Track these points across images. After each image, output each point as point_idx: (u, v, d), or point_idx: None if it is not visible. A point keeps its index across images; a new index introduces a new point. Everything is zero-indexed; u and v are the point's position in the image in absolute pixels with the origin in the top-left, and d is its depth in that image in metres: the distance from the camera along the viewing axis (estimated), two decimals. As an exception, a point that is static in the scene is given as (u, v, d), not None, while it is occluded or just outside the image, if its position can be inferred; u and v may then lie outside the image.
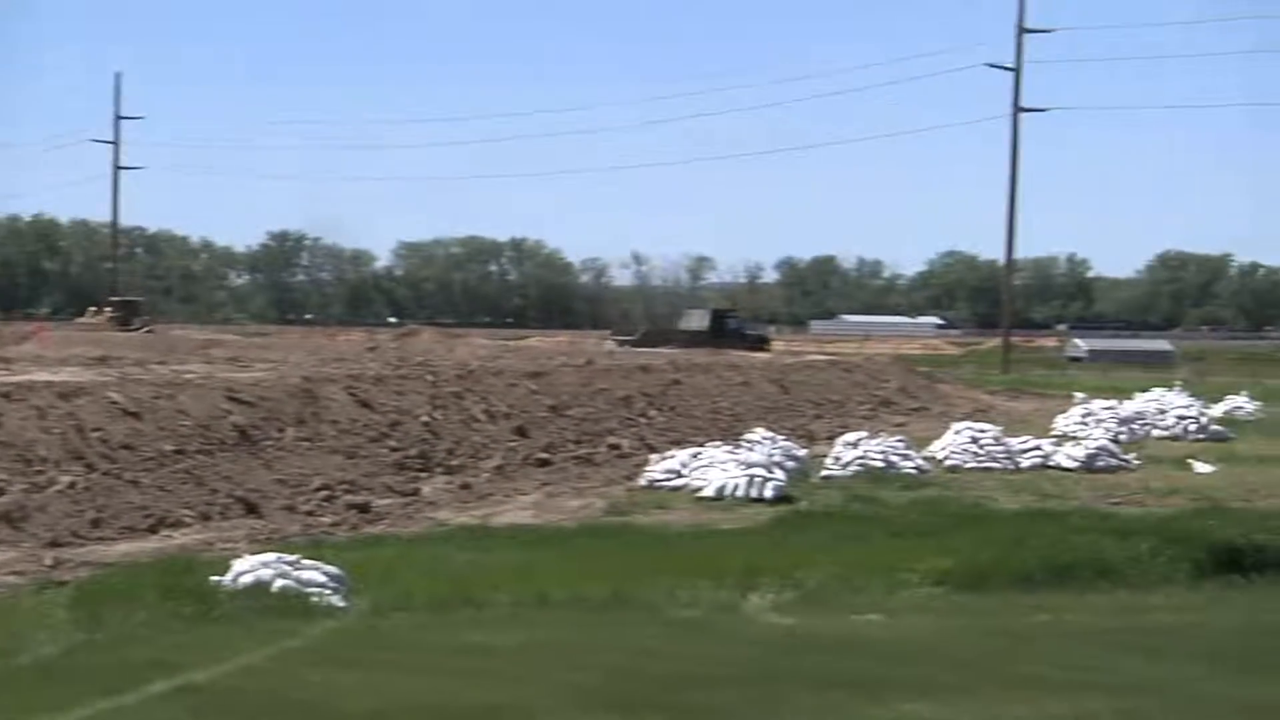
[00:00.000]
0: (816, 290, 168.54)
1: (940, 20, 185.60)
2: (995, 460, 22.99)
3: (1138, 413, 30.44)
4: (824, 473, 21.35)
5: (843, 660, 9.44)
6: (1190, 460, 23.99)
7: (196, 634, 9.80)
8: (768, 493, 18.53)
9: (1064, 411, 30.65)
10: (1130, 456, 23.98)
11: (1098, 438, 25.19)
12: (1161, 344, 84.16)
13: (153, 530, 15.39)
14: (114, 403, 18.71)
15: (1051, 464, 23.08)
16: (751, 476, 18.83)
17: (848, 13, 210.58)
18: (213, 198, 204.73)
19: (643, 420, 27.57)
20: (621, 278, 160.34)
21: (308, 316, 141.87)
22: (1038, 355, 75.12)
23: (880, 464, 21.40)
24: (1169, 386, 33.66)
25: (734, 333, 69.53)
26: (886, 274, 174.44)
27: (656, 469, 20.32)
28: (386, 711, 7.90)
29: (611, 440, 24.67)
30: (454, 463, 21.19)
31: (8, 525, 14.53)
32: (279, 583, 10.95)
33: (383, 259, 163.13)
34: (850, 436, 22.73)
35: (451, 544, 14.51)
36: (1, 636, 9.87)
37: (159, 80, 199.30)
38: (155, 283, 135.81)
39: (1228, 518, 16.02)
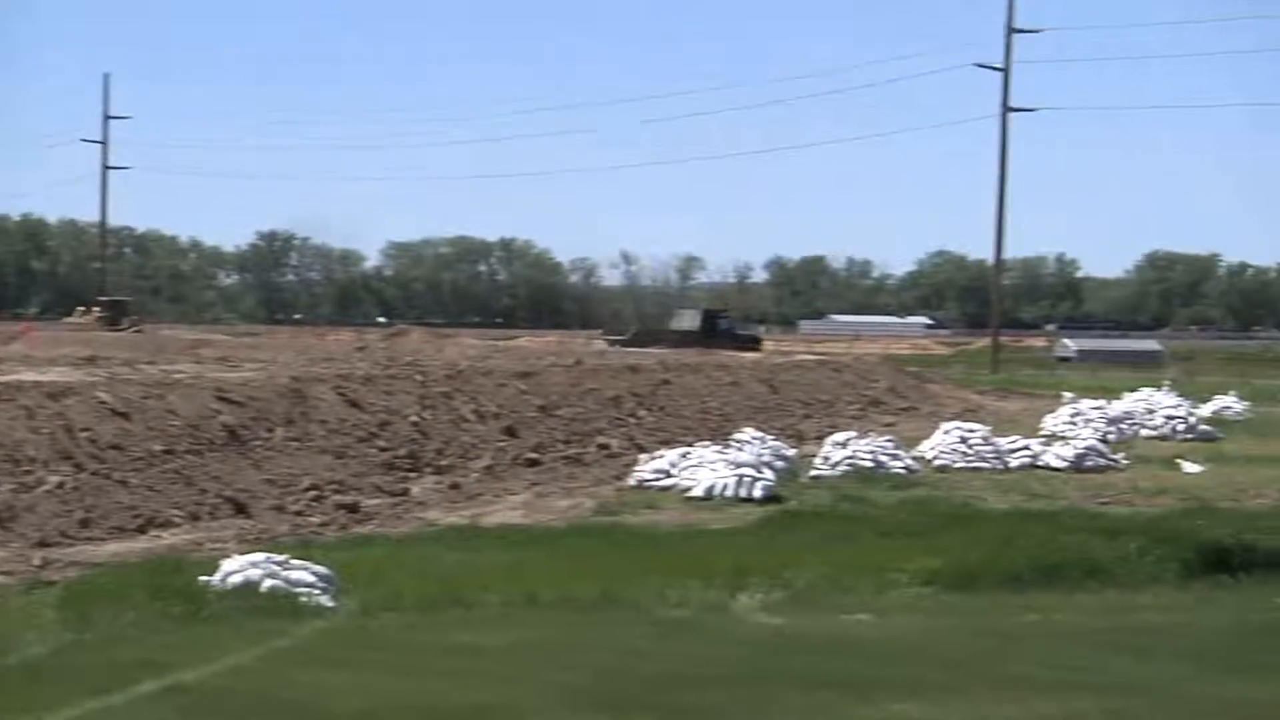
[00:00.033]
0: (806, 290, 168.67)
1: (928, 20, 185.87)
2: (984, 460, 23.02)
3: (1126, 412, 30.50)
4: (813, 472, 21.36)
5: (832, 660, 9.45)
6: (1179, 460, 24.04)
7: (185, 634, 9.79)
8: (757, 493, 18.54)
9: (1053, 411, 30.69)
10: (1119, 456, 24.02)
11: (1086, 437, 25.23)
12: (1150, 344, 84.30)
13: (141, 530, 15.36)
14: (103, 403, 18.68)
15: (1040, 464, 23.13)
16: (741, 476, 18.84)
17: (836, 13, 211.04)
18: (201, 197, 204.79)
19: (632, 420, 27.57)
20: (611, 278, 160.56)
21: (297, 316, 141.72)
22: (1026, 355, 75.23)
23: (869, 464, 21.42)
24: (1157, 386, 33.72)
25: (725, 333, 69.56)
26: (876, 274, 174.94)
27: (646, 469, 20.32)
28: (375, 712, 7.90)
29: (601, 440, 24.68)
30: (443, 463, 21.18)
31: (-4, 525, 14.50)
32: (268, 583, 10.94)
33: (372, 259, 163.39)
34: (839, 436, 22.75)
35: (441, 544, 14.50)
36: (-10, 637, 9.84)
37: (147, 79, 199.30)
38: (144, 282, 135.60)
39: (1216, 518, 16.06)
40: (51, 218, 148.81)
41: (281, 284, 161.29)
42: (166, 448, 18.02)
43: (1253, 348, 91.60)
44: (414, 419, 22.74)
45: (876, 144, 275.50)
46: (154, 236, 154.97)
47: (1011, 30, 63.36)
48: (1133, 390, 33.51)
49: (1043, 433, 27.51)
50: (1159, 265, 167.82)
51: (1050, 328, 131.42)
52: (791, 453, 22.67)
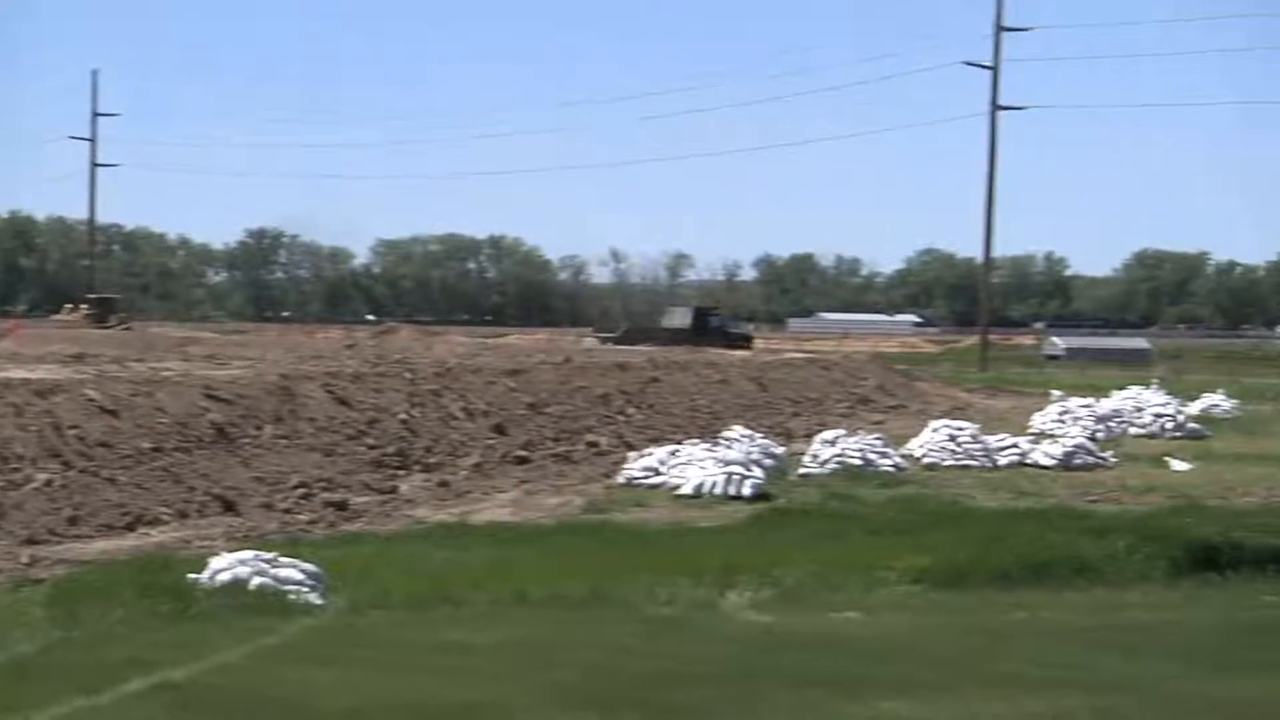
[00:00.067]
0: (795, 288, 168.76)
1: (917, 19, 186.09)
2: (973, 458, 23.04)
3: (1115, 410, 30.55)
4: (802, 470, 21.37)
5: (821, 658, 9.46)
6: (1167, 458, 24.07)
7: (174, 632, 9.78)
8: (746, 490, 18.56)
9: (1041, 409, 30.75)
10: (1107, 454, 24.04)
11: (1075, 436, 25.25)
12: (1139, 342, 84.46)
13: (130, 528, 15.35)
14: (91, 400, 18.65)
15: (1029, 462, 23.16)
16: (730, 474, 18.85)
17: (826, 12, 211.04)
18: (190, 195, 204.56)
19: (621, 418, 27.58)
20: (600, 275, 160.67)
21: (285, 314, 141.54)
22: (1015, 353, 75.26)
23: (858, 462, 21.44)
24: (1146, 384, 33.76)
25: (716, 330, 69.70)
26: (865, 272, 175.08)
27: (635, 467, 20.32)
28: (364, 709, 7.90)
29: (590, 438, 24.68)
30: (432, 460, 21.17)
31: (-16, 523, 14.48)
32: (256, 580, 10.93)
33: (361, 256, 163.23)
34: (828, 434, 22.77)
35: (429, 542, 14.50)
36: (-23, 635, 9.83)
37: (135, 77, 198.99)
38: (132, 280, 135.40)
39: (1204, 515, 16.08)
40: (40, 215, 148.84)
41: (270, 281, 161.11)
42: (155, 445, 18.00)
43: (1241, 346, 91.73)
44: (403, 416, 22.73)
45: (865, 142, 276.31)
46: (143, 234, 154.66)
47: (1001, 28, 63.46)
48: (1121, 388, 33.56)
49: (1031, 431, 27.53)
50: (1148, 264, 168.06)
51: (1039, 326, 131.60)
52: (780, 451, 22.68)
